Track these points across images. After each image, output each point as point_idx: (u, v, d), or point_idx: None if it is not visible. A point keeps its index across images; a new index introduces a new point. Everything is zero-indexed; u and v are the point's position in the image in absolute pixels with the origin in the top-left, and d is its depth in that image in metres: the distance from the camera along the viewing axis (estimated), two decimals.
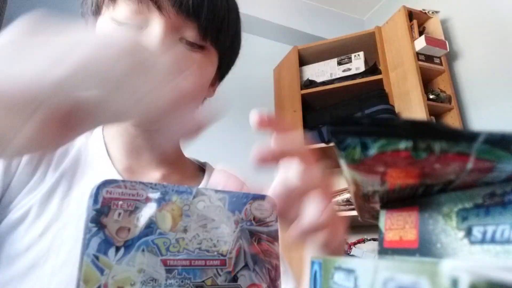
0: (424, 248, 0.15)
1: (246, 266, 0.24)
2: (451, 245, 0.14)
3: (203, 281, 0.22)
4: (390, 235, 0.18)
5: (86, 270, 0.20)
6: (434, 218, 0.15)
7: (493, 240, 0.12)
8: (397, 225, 0.18)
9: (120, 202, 0.22)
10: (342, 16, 2.93)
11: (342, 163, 0.13)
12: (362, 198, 0.19)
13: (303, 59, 2.24)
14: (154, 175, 0.49)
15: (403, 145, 0.11)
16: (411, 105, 2.02)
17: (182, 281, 0.22)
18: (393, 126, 0.11)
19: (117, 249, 0.21)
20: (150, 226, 0.22)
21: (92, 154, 0.48)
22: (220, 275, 0.23)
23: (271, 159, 0.28)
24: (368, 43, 2.30)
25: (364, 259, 0.12)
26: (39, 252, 0.39)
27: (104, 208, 0.21)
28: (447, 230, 0.14)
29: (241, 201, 0.26)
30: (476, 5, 2.15)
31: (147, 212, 0.22)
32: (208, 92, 0.53)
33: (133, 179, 0.47)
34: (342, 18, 2.91)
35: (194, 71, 0.44)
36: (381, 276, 0.11)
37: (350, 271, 0.13)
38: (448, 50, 2.15)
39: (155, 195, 0.23)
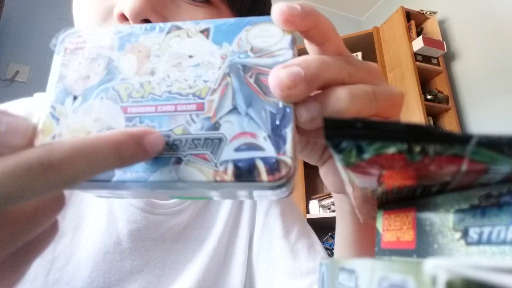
0: (421, 249, 0.15)
1: (234, 110, 0.19)
2: (448, 246, 0.14)
3: (170, 130, 0.19)
4: (388, 236, 0.18)
5: (45, 121, 0.19)
6: (431, 219, 0.15)
7: (489, 241, 0.12)
8: (394, 226, 0.18)
9: (81, 51, 0.21)
10: (340, 16, 2.93)
11: (339, 165, 0.13)
12: (360, 200, 0.19)
13: None
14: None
15: (397, 148, 0.11)
16: (409, 106, 2.02)
17: None
18: (387, 130, 0.11)
19: (75, 98, 0.20)
20: (112, 72, 0.20)
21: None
22: (194, 122, 0.19)
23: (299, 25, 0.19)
24: (366, 44, 2.30)
25: (363, 259, 0.12)
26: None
27: (66, 59, 0.21)
28: (444, 231, 0.14)
29: (233, 29, 0.20)
30: (473, 6, 2.15)
31: (109, 57, 0.21)
32: None
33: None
34: (340, 18, 2.92)
35: None
36: (377, 275, 0.11)
37: (351, 271, 0.13)
38: (446, 50, 2.16)
39: (119, 38, 0.21)
